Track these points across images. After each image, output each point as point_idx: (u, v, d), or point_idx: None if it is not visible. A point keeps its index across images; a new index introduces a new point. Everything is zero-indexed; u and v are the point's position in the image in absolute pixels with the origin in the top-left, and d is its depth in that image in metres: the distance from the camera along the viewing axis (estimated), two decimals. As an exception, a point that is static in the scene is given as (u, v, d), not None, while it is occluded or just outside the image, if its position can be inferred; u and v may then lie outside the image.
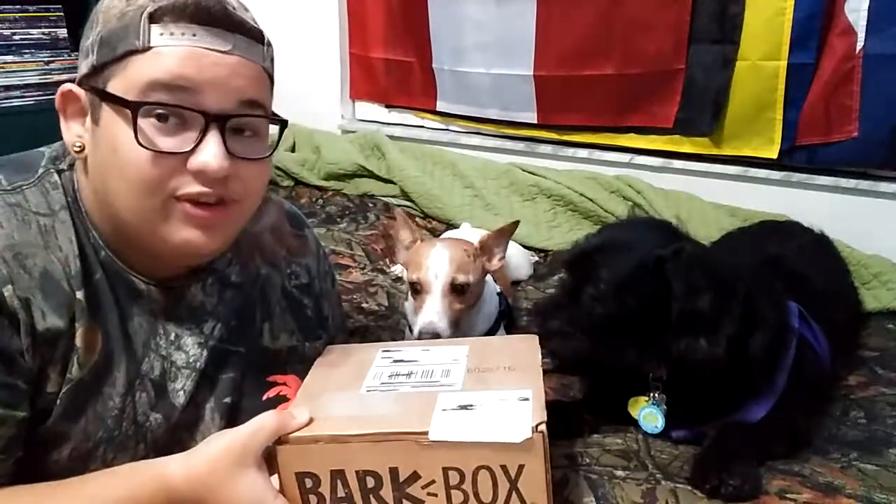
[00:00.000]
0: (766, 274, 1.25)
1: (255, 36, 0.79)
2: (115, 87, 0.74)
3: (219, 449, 0.73)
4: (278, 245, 1.01)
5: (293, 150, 2.51)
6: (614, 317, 1.05)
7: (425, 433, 0.72)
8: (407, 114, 2.50)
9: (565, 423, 1.12)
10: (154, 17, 0.73)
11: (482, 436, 0.72)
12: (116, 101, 0.74)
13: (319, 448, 0.73)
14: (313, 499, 0.75)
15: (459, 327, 1.24)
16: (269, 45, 0.82)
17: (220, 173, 0.75)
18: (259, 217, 0.96)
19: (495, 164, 2.26)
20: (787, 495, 0.96)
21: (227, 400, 0.91)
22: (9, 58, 2.38)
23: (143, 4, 0.74)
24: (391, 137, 2.41)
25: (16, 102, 2.40)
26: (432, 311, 1.19)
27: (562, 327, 1.08)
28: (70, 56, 2.50)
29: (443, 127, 2.44)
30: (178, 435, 0.88)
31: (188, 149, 0.74)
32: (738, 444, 1.03)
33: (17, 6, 2.38)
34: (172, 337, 0.87)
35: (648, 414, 1.10)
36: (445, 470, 0.73)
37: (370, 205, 2.27)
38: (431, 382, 0.83)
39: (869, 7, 1.68)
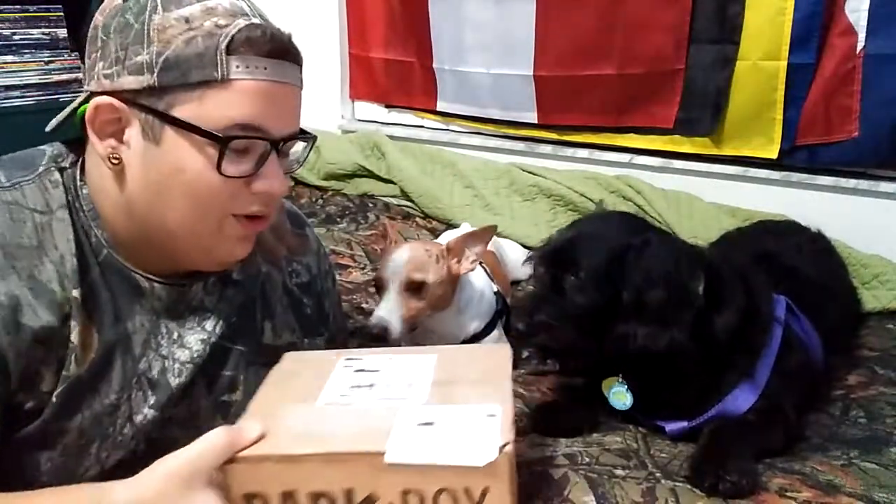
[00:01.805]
0: (755, 267, 1.25)
1: (300, 62, 0.81)
2: (184, 113, 0.75)
3: (165, 473, 0.66)
4: (279, 244, 1.01)
5: (293, 150, 2.51)
6: (595, 305, 1.08)
7: (382, 454, 0.65)
8: (407, 114, 2.50)
9: (565, 423, 1.13)
10: (231, 49, 0.74)
11: (443, 458, 0.65)
12: (193, 130, 0.75)
13: (269, 468, 0.66)
14: None
15: (423, 329, 1.22)
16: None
17: (284, 194, 0.81)
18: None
19: (495, 164, 2.26)
20: (788, 493, 0.96)
21: (226, 397, 0.91)
22: (9, 58, 2.38)
23: (213, 31, 0.74)
24: (391, 137, 2.41)
25: (16, 102, 2.39)
26: (385, 307, 1.19)
27: (547, 320, 1.09)
28: (70, 56, 2.49)
29: (443, 127, 2.44)
30: (174, 432, 0.87)
31: (252, 172, 0.79)
32: (733, 440, 1.04)
33: (17, 6, 2.38)
34: (175, 336, 0.87)
35: (617, 392, 1.14)
36: (404, 493, 0.66)
37: (370, 205, 2.27)
38: (393, 396, 0.75)
39: (869, 7, 1.68)
